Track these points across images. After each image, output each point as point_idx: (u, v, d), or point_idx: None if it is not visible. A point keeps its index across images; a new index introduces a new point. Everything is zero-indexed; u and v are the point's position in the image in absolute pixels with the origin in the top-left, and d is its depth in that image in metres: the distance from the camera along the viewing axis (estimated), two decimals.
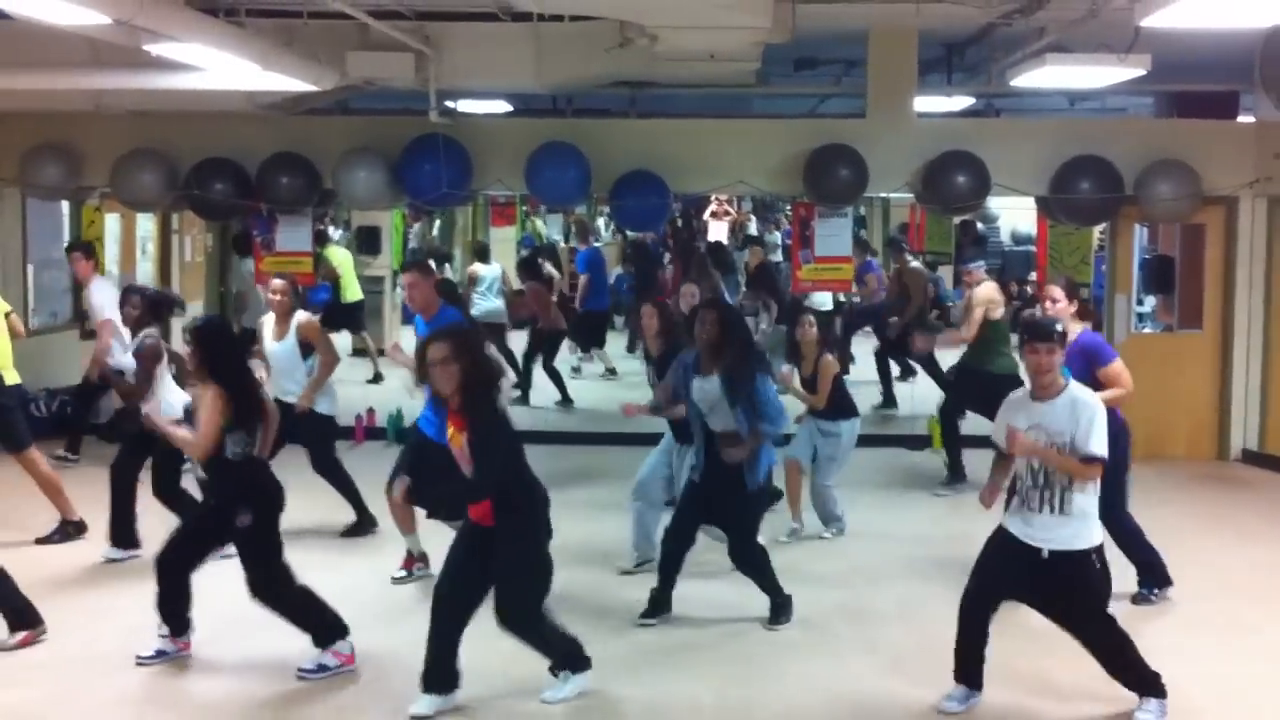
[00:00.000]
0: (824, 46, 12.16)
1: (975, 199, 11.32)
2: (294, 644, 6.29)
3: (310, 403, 8.59)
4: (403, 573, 7.79)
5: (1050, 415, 5.53)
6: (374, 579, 7.77)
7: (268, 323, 8.88)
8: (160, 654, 6.38)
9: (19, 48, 9.28)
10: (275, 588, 6.23)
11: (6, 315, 8.86)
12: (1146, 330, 13.26)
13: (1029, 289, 17.95)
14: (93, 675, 6.27)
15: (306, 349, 8.90)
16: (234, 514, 6.11)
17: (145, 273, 13.75)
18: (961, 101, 13.29)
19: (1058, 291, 7.49)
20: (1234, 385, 11.49)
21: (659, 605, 7.09)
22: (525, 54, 10.53)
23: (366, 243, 17.03)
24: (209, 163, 11.18)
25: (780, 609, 7.09)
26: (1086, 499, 5.55)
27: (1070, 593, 5.63)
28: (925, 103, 12.14)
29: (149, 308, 8.19)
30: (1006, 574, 5.70)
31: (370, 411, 12.18)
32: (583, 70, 10.76)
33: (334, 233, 19.24)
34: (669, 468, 8.02)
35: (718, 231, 23.24)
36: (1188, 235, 12.38)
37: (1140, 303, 13.14)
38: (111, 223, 13.14)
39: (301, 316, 8.85)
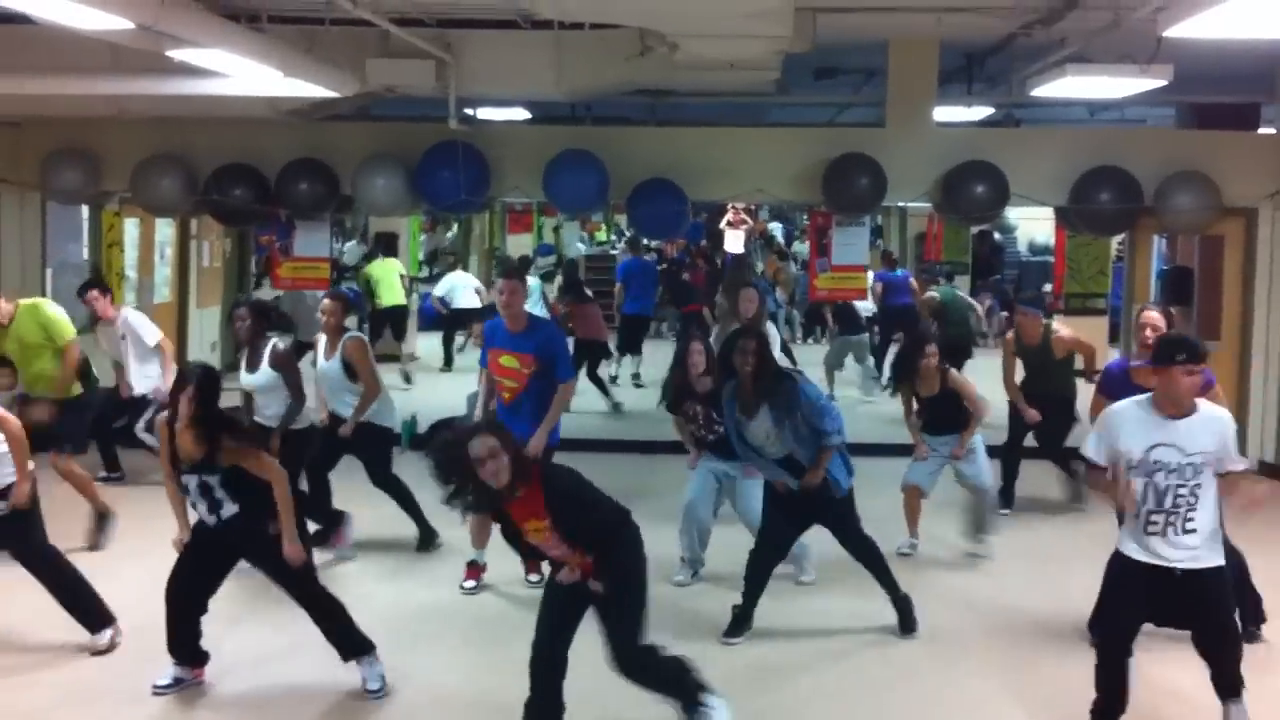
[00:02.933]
0: (844, 55, 12.17)
1: (994, 209, 11.31)
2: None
3: (351, 428, 8.29)
4: (472, 583, 7.79)
5: (1187, 433, 5.35)
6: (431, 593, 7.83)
7: (321, 341, 8.54)
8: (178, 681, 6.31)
9: (41, 53, 9.33)
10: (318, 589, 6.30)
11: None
12: None
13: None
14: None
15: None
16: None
17: (163, 277, 13.80)
18: (981, 111, 13.26)
19: (1156, 317, 7.27)
20: (1252, 397, 11.43)
21: (742, 622, 7.00)
22: (545, 61, 10.54)
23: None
24: (229, 168, 11.22)
25: (905, 610, 7.06)
26: (1211, 517, 5.40)
27: (1204, 609, 5.48)
28: (944, 112, 12.12)
29: (257, 317, 8.20)
30: (1139, 600, 5.51)
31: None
32: (602, 78, 10.76)
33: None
34: (716, 482, 7.83)
35: (734, 241, 23.15)
36: (1207, 246, 12.33)
37: None
38: (131, 227, 13.20)
39: (350, 338, 8.46)
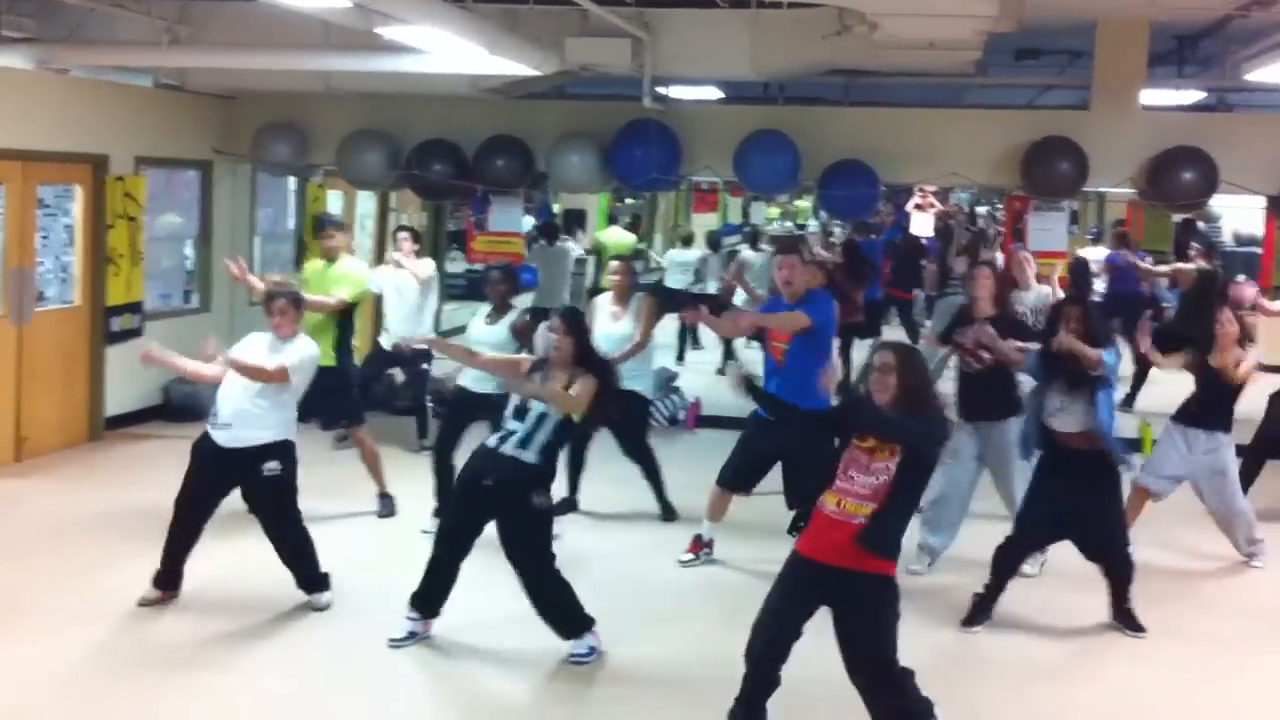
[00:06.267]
0: (1047, 36, 11.84)
1: (1201, 196, 10.91)
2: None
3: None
4: (690, 556, 7.78)
5: None
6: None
7: (603, 304, 8.79)
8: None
9: (256, 29, 9.73)
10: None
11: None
12: None
13: None
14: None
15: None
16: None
17: (365, 249, 14.22)
18: (1191, 95, 12.75)
19: None
20: None
21: (982, 612, 6.86)
22: (741, 41, 10.49)
23: (574, 225, 17.30)
24: (429, 144, 11.47)
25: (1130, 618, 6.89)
26: None
27: None
28: (1151, 96, 11.70)
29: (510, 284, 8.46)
30: None
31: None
32: (798, 58, 10.66)
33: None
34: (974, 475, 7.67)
35: (922, 224, 22.74)
36: None
37: None
38: (334, 199, 13.63)
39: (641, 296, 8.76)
